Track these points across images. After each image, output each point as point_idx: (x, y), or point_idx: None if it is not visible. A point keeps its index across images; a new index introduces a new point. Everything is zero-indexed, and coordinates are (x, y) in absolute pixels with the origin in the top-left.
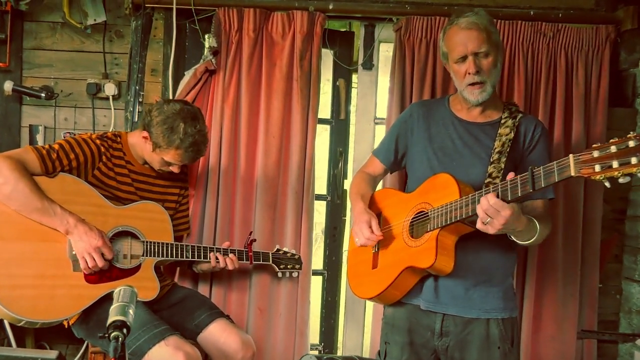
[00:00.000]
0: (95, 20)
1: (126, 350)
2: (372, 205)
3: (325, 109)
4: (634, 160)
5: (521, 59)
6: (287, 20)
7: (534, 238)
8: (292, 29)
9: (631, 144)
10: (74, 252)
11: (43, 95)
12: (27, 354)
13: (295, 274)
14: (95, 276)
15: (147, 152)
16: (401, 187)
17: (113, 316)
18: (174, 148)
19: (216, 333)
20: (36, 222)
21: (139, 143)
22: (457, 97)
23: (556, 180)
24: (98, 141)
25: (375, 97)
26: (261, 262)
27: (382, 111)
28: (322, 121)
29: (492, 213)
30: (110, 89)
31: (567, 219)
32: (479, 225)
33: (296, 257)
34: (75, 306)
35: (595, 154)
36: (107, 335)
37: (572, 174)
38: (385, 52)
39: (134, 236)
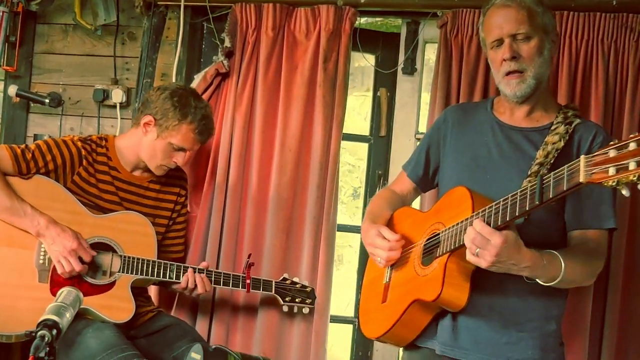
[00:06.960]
0: (105, 20)
1: None
2: (391, 228)
3: (365, 124)
4: None
5: (600, 60)
6: (312, 17)
7: (558, 279)
8: (317, 26)
9: None
10: (41, 262)
11: (47, 101)
12: None
13: (305, 310)
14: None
15: (147, 145)
16: None
17: (46, 314)
18: (186, 123)
19: None
20: (6, 223)
21: (132, 143)
22: (501, 98)
23: (564, 189)
24: (79, 144)
25: (418, 108)
26: (261, 292)
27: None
28: (359, 138)
29: (479, 242)
30: (117, 95)
31: None
32: (469, 257)
33: (308, 289)
34: (37, 320)
35: (612, 153)
36: (34, 332)
37: (581, 180)
38: (433, 54)
39: (115, 251)
